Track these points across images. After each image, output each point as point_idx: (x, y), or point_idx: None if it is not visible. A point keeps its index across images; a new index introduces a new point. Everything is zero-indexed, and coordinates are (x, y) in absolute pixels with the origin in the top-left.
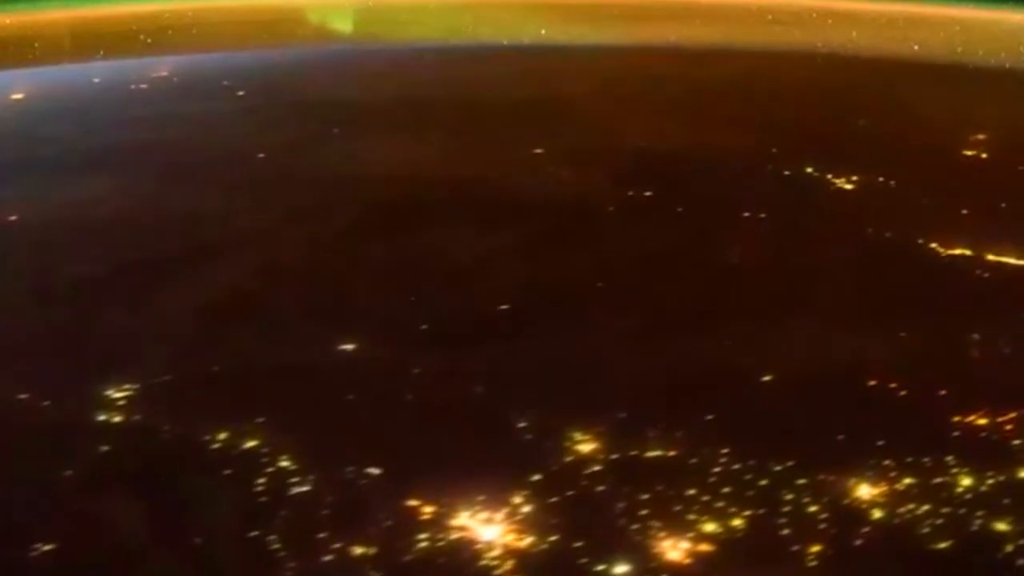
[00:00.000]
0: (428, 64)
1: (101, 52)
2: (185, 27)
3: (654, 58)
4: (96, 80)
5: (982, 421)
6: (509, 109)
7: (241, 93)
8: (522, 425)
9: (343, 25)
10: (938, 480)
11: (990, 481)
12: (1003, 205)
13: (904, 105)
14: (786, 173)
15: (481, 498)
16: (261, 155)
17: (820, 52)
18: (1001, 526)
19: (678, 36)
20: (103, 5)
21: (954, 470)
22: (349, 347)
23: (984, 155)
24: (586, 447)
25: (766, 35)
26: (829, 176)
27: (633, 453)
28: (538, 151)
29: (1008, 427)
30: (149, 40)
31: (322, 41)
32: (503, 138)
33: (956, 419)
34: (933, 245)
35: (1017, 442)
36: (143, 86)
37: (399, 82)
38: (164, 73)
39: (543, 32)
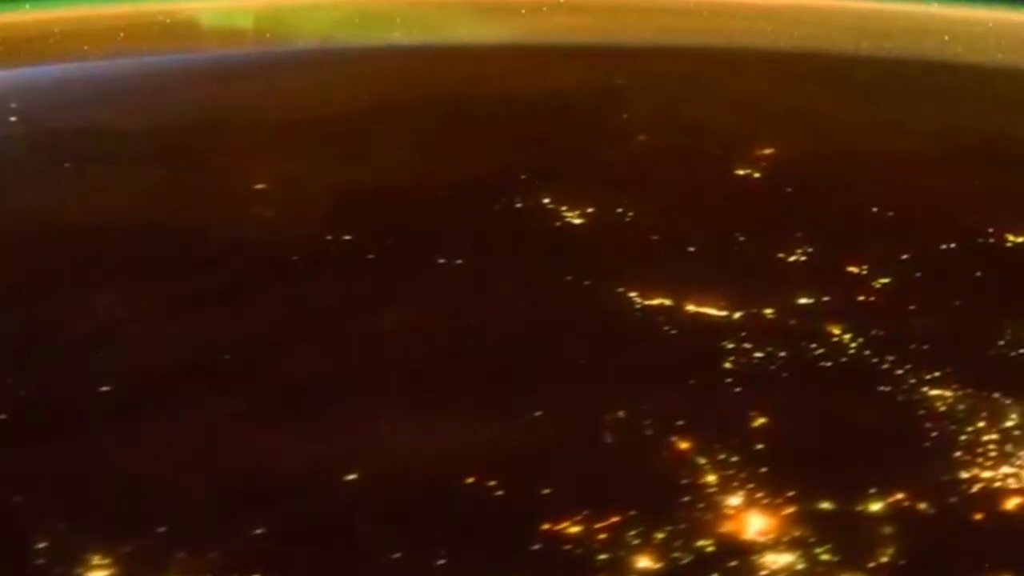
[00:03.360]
0: (203, 79)
1: None
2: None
3: (413, 60)
4: None
5: (574, 529)
6: (252, 133)
7: (14, 119)
8: (40, 547)
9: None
10: None
11: None
12: (742, 239)
13: (684, 110)
14: (518, 206)
15: None
16: None
17: (596, 46)
18: None
19: (448, 35)
20: None
21: None
22: None
23: (756, 174)
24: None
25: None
26: (563, 208)
27: None
28: (258, 187)
29: (601, 536)
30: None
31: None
32: (223, 171)
33: (545, 527)
34: (632, 295)
35: (604, 556)
36: None
37: (164, 102)
38: None
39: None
